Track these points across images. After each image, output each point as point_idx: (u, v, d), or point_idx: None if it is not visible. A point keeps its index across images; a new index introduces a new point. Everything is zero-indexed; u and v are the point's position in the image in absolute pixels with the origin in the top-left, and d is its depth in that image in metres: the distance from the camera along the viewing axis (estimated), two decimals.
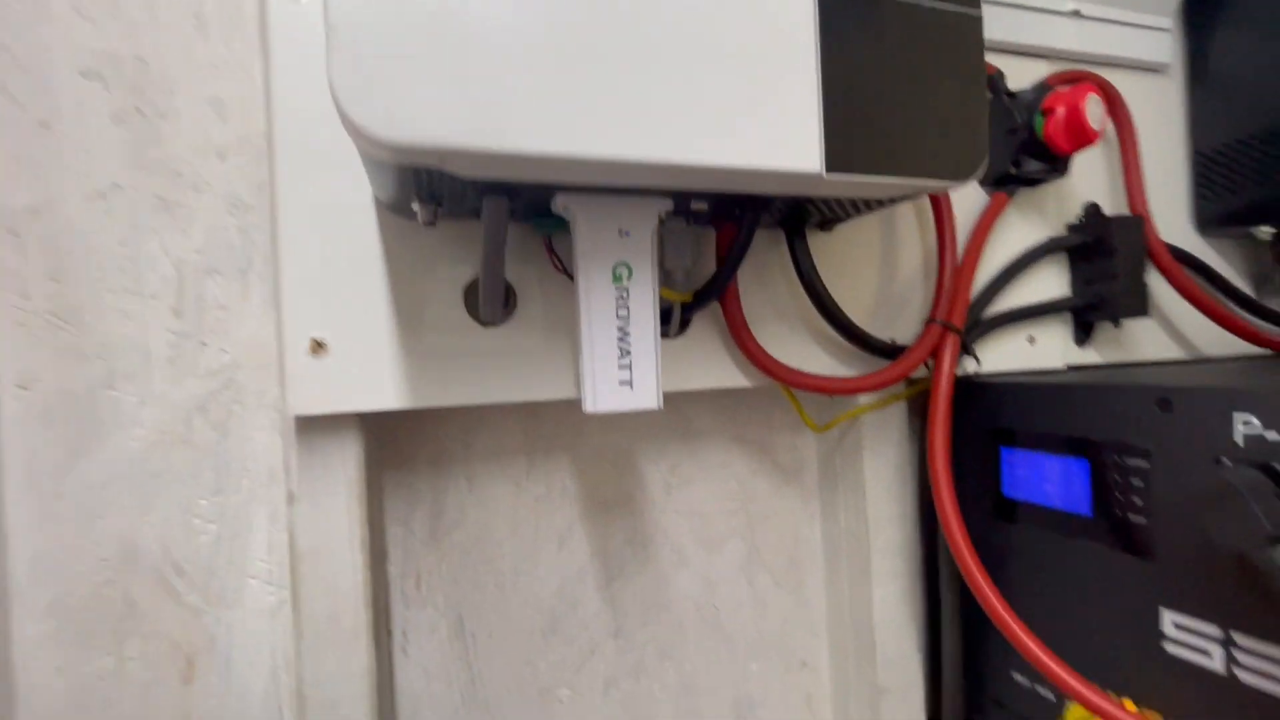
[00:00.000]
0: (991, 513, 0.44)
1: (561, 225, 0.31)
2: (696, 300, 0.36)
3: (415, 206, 0.30)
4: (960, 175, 0.31)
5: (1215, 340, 0.54)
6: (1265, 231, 0.53)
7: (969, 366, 0.46)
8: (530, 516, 0.44)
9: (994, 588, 0.36)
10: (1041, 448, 0.41)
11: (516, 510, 0.44)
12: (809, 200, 0.34)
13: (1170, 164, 0.55)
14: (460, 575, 0.43)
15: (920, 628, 0.48)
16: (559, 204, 0.30)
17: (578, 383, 0.34)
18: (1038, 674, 0.41)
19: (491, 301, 0.32)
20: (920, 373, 0.44)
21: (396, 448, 0.41)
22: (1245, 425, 0.30)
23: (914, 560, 0.48)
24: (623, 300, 0.31)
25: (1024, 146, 0.45)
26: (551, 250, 0.36)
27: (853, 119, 0.28)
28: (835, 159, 0.28)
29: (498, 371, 0.36)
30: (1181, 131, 0.55)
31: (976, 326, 0.46)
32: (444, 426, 0.43)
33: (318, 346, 0.33)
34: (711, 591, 0.49)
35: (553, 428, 0.45)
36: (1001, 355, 0.48)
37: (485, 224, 0.28)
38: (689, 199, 0.32)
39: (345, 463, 0.35)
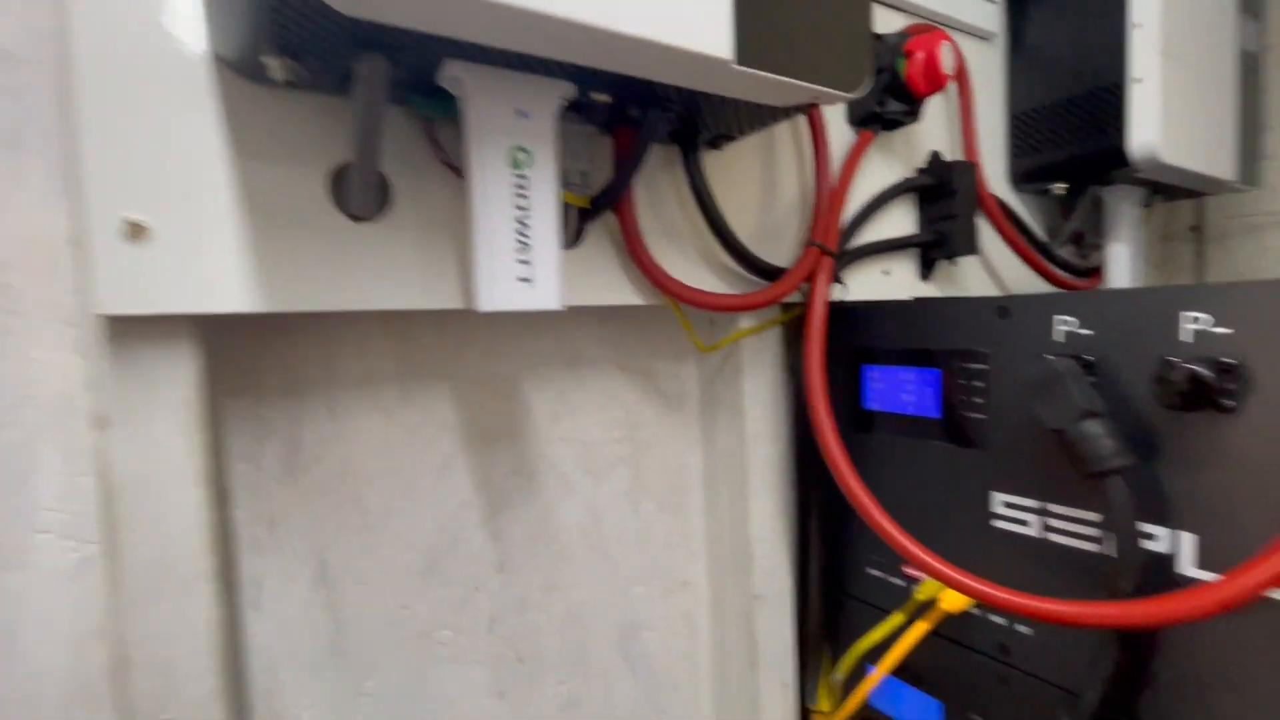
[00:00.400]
0: (852, 425, 0.48)
1: (447, 107, 0.28)
2: (595, 206, 0.35)
3: (268, 60, 0.25)
4: (849, 87, 0.32)
5: (1021, 280, 0.63)
6: (1059, 188, 0.62)
7: (837, 293, 0.50)
8: (404, 449, 0.40)
9: (861, 483, 0.40)
10: (899, 362, 0.45)
11: (388, 443, 0.40)
12: (702, 114, 0.34)
13: (991, 123, 0.62)
14: (322, 516, 0.38)
15: (790, 540, 0.51)
16: (448, 74, 0.26)
17: (469, 280, 0.31)
18: (891, 566, 0.46)
19: (364, 189, 0.28)
20: (794, 299, 0.46)
21: (240, 372, 0.35)
22: (1063, 325, 0.35)
23: (785, 476, 0.51)
24: (522, 189, 0.28)
25: (887, 88, 0.48)
26: (434, 140, 0.32)
27: (761, 16, 0.28)
28: (744, 52, 0.27)
29: (367, 274, 0.32)
30: (1001, 95, 0.63)
31: (843, 257, 0.50)
32: (300, 348, 0.37)
33: (136, 230, 0.26)
34: (598, 520, 0.48)
35: (429, 353, 0.41)
36: (861, 286, 0.52)
37: (359, 92, 0.24)
38: (590, 86, 0.30)
39: (176, 380, 0.29)
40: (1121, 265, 0.64)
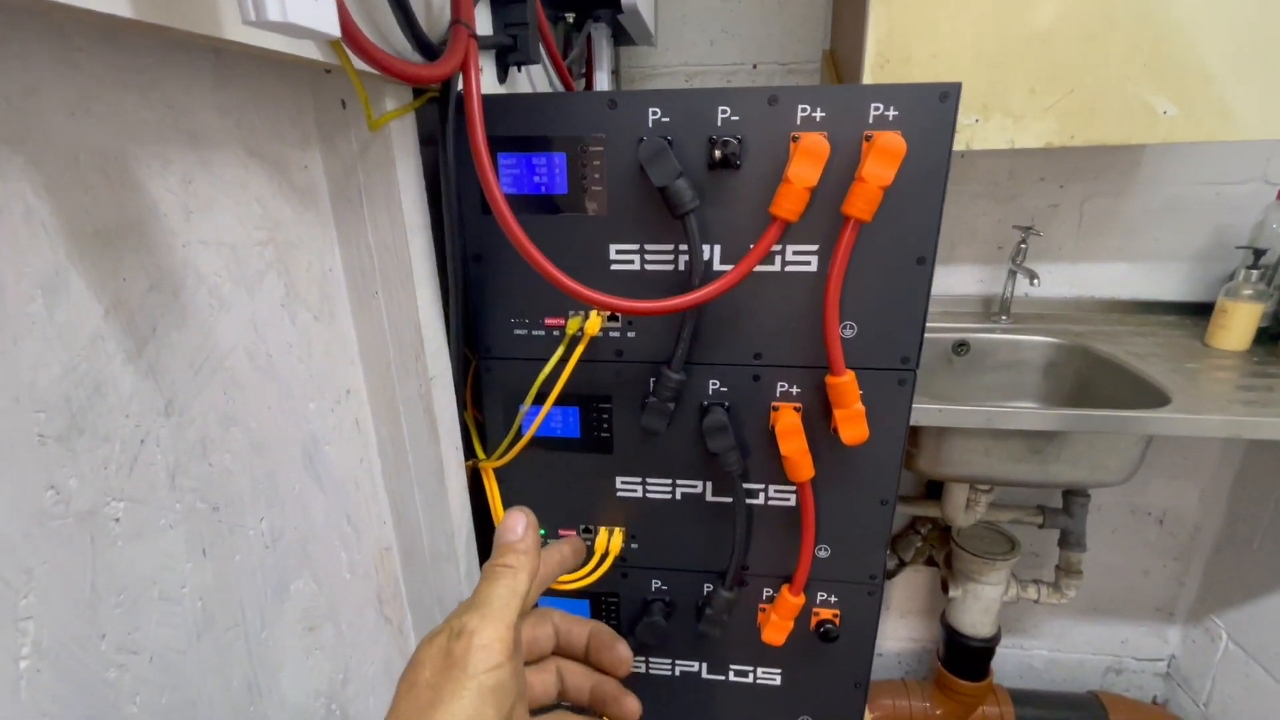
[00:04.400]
0: (482, 210, 0.54)
1: None
2: None
3: None
4: None
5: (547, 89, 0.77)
6: (570, 17, 0.77)
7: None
8: None
9: (535, 248, 0.48)
10: (529, 149, 0.53)
11: None
12: None
13: None
14: None
15: (445, 321, 0.56)
16: None
17: None
18: (535, 322, 0.58)
19: None
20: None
21: None
22: (654, 114, 0.50)
23: (434, 265, 0.54)
24: None
25: None
26: None
27: None
28: None
29: None
30: None
31: None
32: None
33: None
34: (261, 338, 0.42)
35: None
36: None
37: None
38: None
39: None
40: (603, 89, 0.85)
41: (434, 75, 0.41)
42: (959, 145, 0.87)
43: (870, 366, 0.55)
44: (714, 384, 0.58)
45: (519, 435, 0.61)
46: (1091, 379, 1.05)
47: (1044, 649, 1.51)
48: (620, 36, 0.91)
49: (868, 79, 0.86)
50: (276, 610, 0.44)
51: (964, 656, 1.32)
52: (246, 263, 0.40)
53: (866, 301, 0.54)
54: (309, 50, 0.35)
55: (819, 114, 0.49)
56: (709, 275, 0.54)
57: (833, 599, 0.65)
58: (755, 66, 1.14)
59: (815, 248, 0.52)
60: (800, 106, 0.49)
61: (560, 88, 0.76)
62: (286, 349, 0.44)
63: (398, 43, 0.43)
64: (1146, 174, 1.14)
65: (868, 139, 0.48)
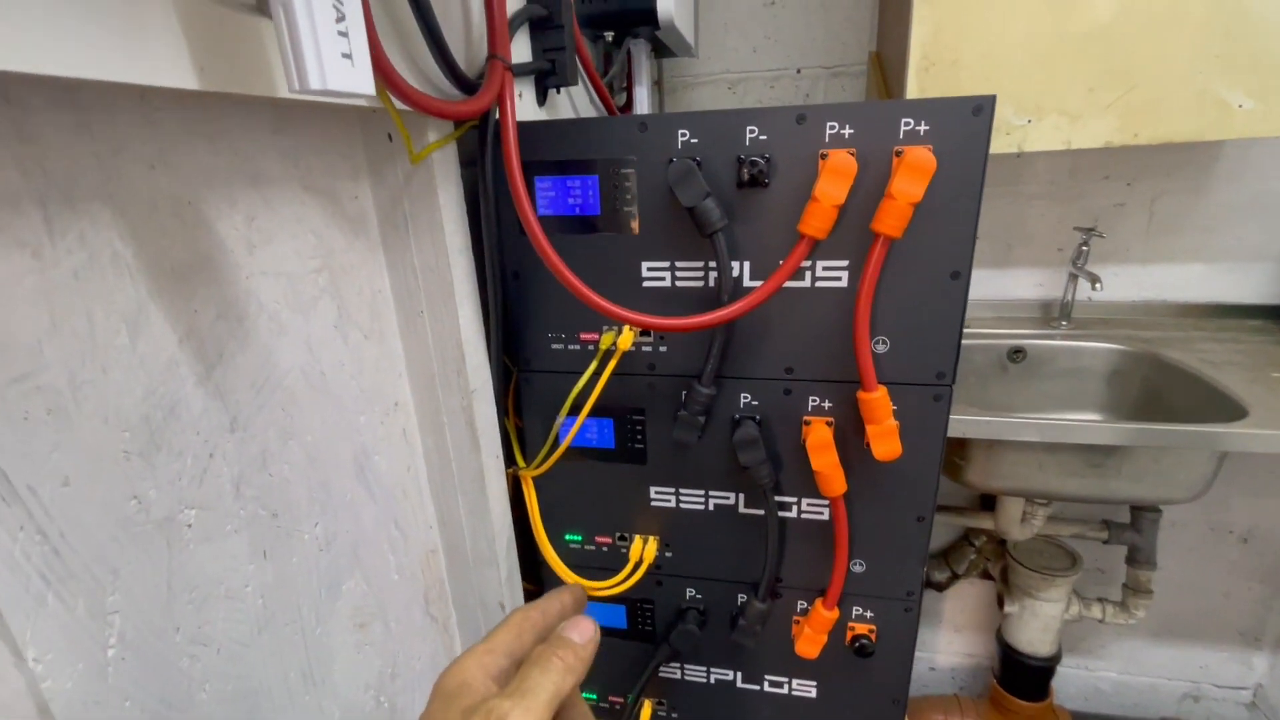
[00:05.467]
0: (519, 231, 0.57)
1: None
2: None
3: None
4: None
5: (590, 111, 0.79)
6: (609, 35, 0.79)
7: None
8: (75, 300, 0.29)
9: (567, 268, 0.50)
10: (563, 172, 0.55)
11: (48, 294, 0.28)
12: None
13: None
14: None
15: (483, 338, 0.59)
16: None
17: (289, 55, 0.24)
18: (571, 337, 0.60)
19: None
20: None
21: None
22: (683, 135, 0.52)
23: (475, 284, 0.57)
24: None
25: None
26: None
27: None
28: None
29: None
30: None
31: None
32: None
33: None
34: (315, 357, 0.45)
35: (70, 164, 0.29)
36: None
37: None
38: None
39: None
40: (644, 104, 0.87)
41: (470, 110, 0.44)
42: (1010, 148, 0.84)
43: (904, 382, 0.55)
44: (745, 397, 0.59)
45: (555, 445, 0.63)
46: (1160, 388, 0.99)
47: (1112, 671, 1.43)
48: (660, 49, 0.92)
49: (911, 83, 0.84)
50: (330, 608, 0.48)
51: (1021, 675, 1.27)
52: (302, 289, 0.44)
53: (899, 316, 0.53)
54: (355, 97, 0.38)
55: (848, 131, 0.49)
56: (739, 291, 0.54)
57: (869, 614, 0.64)
58: (799, 71, 1.13)
59: (846, 263, 0.52)
60: (829, 124, 0.49)
61: (600, 106, 0.78)
62: (339, 367, 0.48)
63: (437, 79, 0.46)
64: (1227, 169, 1.06)
65: (898, 154, 0.48)
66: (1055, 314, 1.14)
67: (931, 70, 0.83)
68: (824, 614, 0.62)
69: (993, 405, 1.12)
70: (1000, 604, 1.26)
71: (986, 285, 1.19)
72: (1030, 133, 0.84)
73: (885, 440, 0.54)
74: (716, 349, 0.56)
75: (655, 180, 0.53)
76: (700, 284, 0.56)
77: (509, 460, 0.65)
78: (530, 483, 0.65)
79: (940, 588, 1.37)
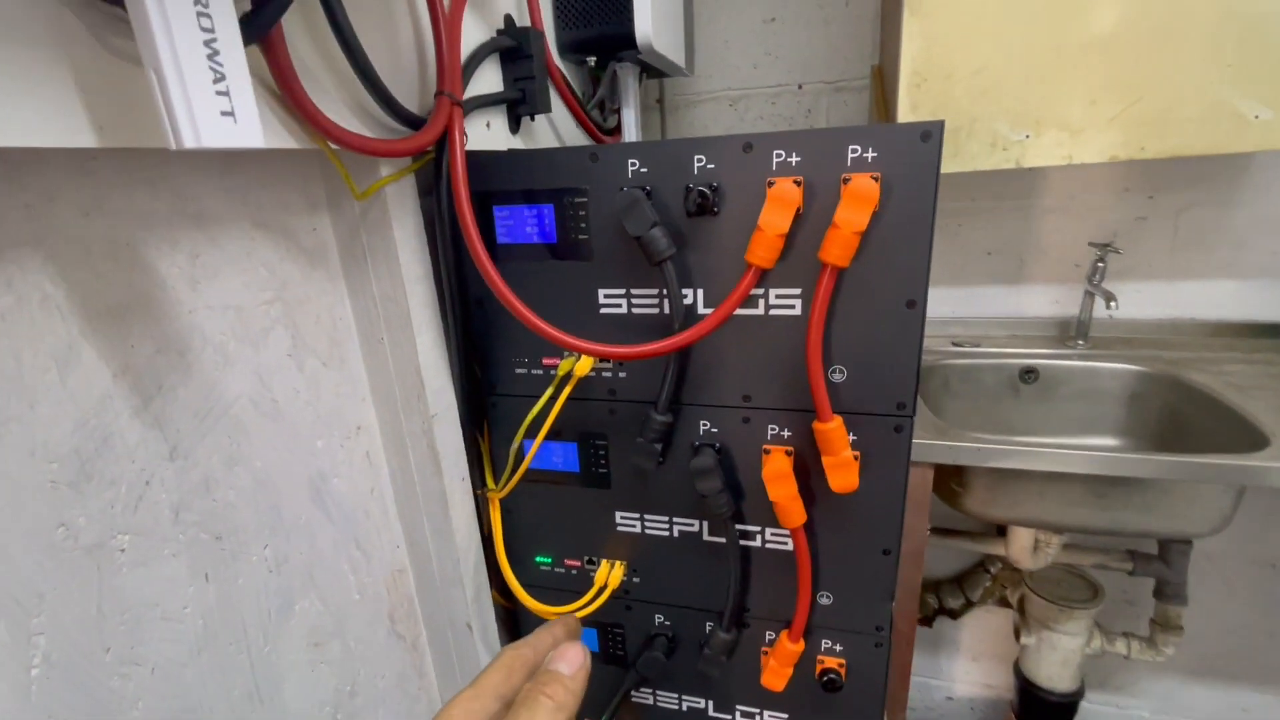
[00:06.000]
0: (491, 258, 0.58)
1: None
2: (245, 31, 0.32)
3: None
4: None
5: (574, 135, 0.80)
6: (591, 60, 0.80)
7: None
8: (2, 341, 0.31)
9: (516, 298, 0.51)
10: (521, 201, 0.56)
11: None
12: None
13: None
14: None
15: (447, 362, 0.60)
16: None
17: (163, 114, 0.26)
18: (534, 361, 0.61)
19: None
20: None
21: None
22: (633, 165, 0.52)
23: (435, 308, 0.58)
24: (203, 6, 0.26)
25: None
26: None
27: None
28: None
29: None
30: None
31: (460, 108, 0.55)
32: None
33: None
34: (266, 385, 0.47)
35: (2, 212, 0.31)
36: (469, 137, 0.59)
37: None
38: None
39: None
40: (631, 126, 0.87)
41: (410, 148, 0.45)
42: (1008, 163, 0.81)
43: (863, 412, 0.53)
44: (705, 425, 0.58)
45: (515, 468, 0.64)
46: (1181, 413, 0.93)
47: (1145, 710, 1.35)
48: (651, 71, 0.93)
49: (903, 100, 0.82)
50: (280, 627, 0.49)
51: (1040, 710, 1.20)
52: (252, 321, 0.46)
53: (856, 346, 0.52)
54: (286, 141, 0.39)
55: (795, 159, 0.48)
56: (692, 318, 0.54)
57: (838, 648, 0.62)
58: (801, 87, 1.11)
59: (799, 291, 0.51)
60: (776, 152, 0.48)
61: (583, 131, 0.79)
62: (293, 394, 0.49)
63: (384, 117, 0.47)
64: (1259, 181, 1.00)
65: (846, 182, 0.47)
66: (1072, 332, 1.09)
67: (923, 86, 0.81)
68: (789, 646, 0.60)
69: (1001, 428, 1.08)
70: (1017, 635, 1.21)
71: (998, 302, 1.15)
72: (1029, 148, 0.81)
73: (842, 472, 0.52)
74: (670, 376, 0.55)
75: (608, 209, 0.54)
76: (656, 311, 0.56)
77: (482, 482, 0.66)
78: (496, 504, 0.66)
79: (954, 615, 1.32)
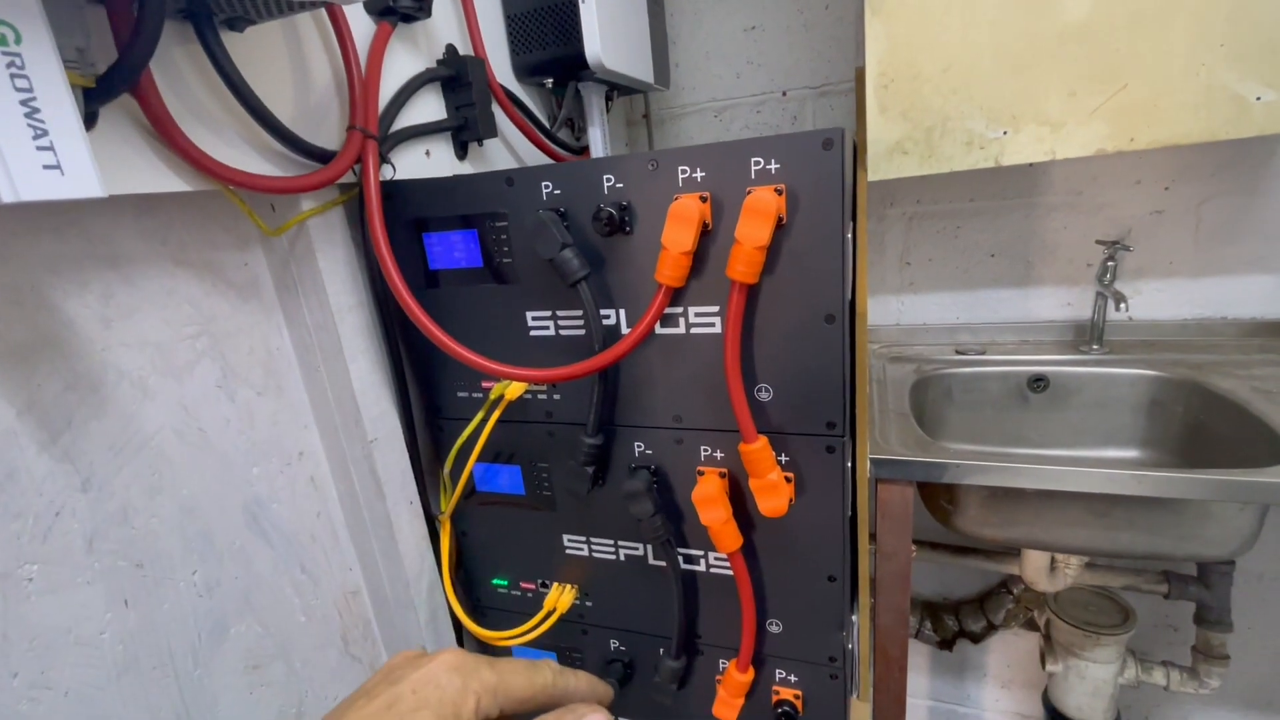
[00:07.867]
0: (423, 284, 0.59)
1: None
2: (103, 86, 0.34)
3: None
4: None
5: (536, 156, 0.81)
6: (548, 82, 0.80)
7: (386, 173, 0.57)
8: None
9: (439, 328, 0.52)
10: (447, 228, 0.56)
11: None
12: None
13: (495, 22, 0.75)
14: None
15: (390, 387, 0.61)
16: None
17: None
18: (474, 385, 0.61)
19: None
20: (349, 179, 0.52)
21: None
22: (547, 188, 0.52)
23: (375, 334, 0.59)
24: (17, 68, 0.27)
25: None
26: None
27: None
28: None
29: None
30: None
31: (387, 140, 0.57)
32: None
33: None
34: (193, 416, 0.49)
35: None
36: (407, 166, 0.60)
37: None
38: None
39: None
40: (598, 144, 0.87)
41: (309, 184, 0.46)
42: (986, 162, 0.77)
43: (793, 432, 0.51)
44: (640, 447, 0.57)
45: (451, 490, 0.64)
46: (1203, 422, 0.85)
47: None
48: (620, 89, 0.93)
49: (871, 103, 0.79)
50: (213, 651, 0.50)
51: None
52: (175, 355, 0.47)
53: (780, 363, 0.50)
54: (177, 185, 0.41)
55: (700, 174, 0.47)
56: (614, 339, 0.53)
57: (793, 678, 0.59)
58: (785, 94, 1.09)
59: (716, 309, 0.50)
60: (680, 168, 0.47)
61: (541, 153, 0.80)
62: (224, 424, 0.51)
63: (296, 155, 0.49)
64: None
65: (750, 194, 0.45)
66: (1087, 336, 1.02)
67: (891, 87, 0.78)
68: (737, 676, 0.58)
69: (1009, 440, 1.02)
70: (1043, 661, 1.13)
71: (1004, 307, 1.09)
72: (1008, 145, 0.76)
73: (769, 495, 0.50)
74: (596, 399, 0.54)
75: (523, 229, 0.54)
76: (583, 333, 0.55)
77: (438, 505, 0.66)
78: (447, 526, 0.66)
79: (976, 639, 1.25)
